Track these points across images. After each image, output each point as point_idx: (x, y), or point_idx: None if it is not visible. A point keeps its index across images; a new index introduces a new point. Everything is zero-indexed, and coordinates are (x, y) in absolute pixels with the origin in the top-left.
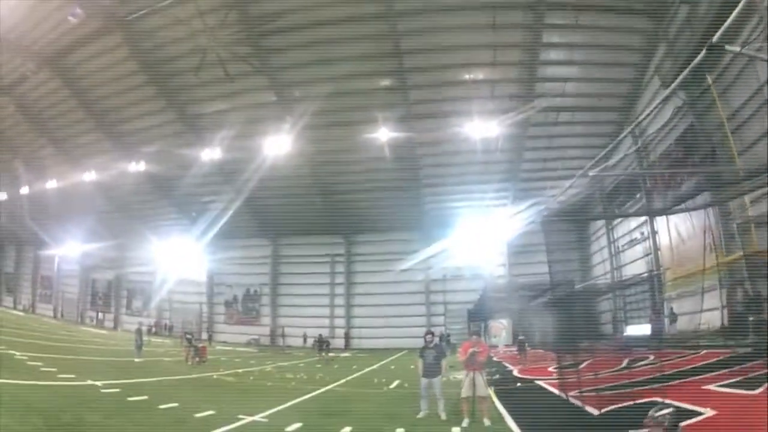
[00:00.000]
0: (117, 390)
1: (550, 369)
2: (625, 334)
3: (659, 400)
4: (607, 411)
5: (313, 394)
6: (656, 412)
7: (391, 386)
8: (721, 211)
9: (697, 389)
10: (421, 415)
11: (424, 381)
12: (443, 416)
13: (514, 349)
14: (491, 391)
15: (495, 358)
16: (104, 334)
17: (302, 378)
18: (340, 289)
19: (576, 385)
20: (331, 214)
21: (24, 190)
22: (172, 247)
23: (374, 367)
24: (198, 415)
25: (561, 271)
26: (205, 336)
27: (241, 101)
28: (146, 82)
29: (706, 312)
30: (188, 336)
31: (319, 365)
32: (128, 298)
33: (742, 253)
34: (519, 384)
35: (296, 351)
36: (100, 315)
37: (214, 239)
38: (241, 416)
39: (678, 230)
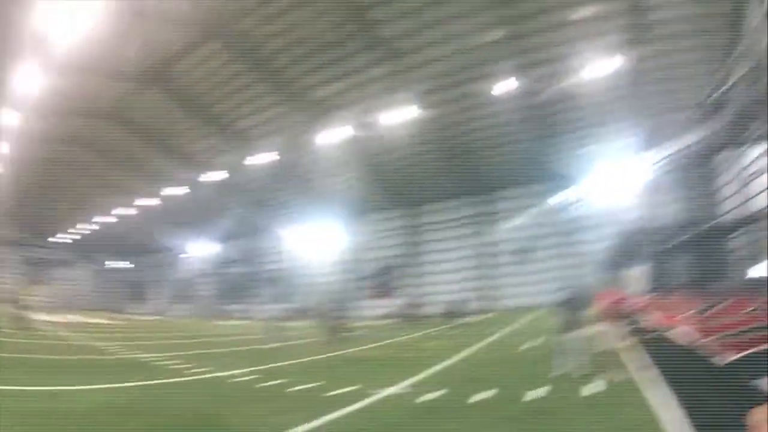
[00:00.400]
0: (254, 377)
1: (685, 315)
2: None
3: None
4: (741, 357)
5: (453, 360)
6: None
7: (530, 345)
8: None
9: None
10: (558, 372)
11: (562, 336)
12: (582, 372)
13: (651, 296)
14: (630, 343)
15: (632, 308)
16: (241, 324)
17: (442, 344)
18: (473, 251)
19: (710, 330)
20: (460, 176)
21: (154, 199)
22: (305, 232)
23: (512, 327)
24: (337, 392)
25: (695, 208)
26: (343, 313)
27: (357, 79)
28: (257, 79)
29: None
30: (325, 315)
31: (455, 331)
32: (264, 287)
33: None
34: (653, 332)
35: (434, 319)
36: (238, 307)
37: (347, 217)
38: (379, 389)
39: None
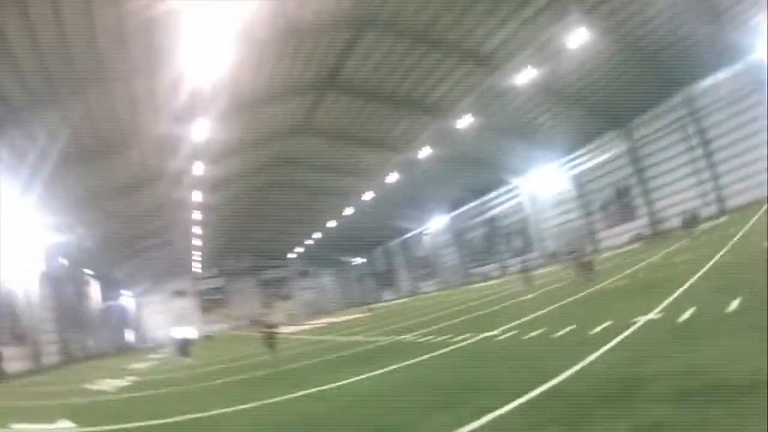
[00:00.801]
0: (514, 332)
1: None
2: None
3: None
4: None
5: (702, 272)
6: None
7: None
8: None
9: None
10: None
11: None
12: None
13: None
14: None
15: None
16: (491, 284)
17: (689, 258)
18: (693, 155)
19: None
20: (663, 77)
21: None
22: (528, 178)
23: (750, 224)
24: (594, 331)
25: None
26: (589, 249)
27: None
28: (425, 52)
29: None
30: (571, 254)
31: (699, 241)
32: (507, 242)
33: None
34: None
35: (675, 232)
36: (484, 268)
37: (564, 153)
38: (636, 318)
39: None
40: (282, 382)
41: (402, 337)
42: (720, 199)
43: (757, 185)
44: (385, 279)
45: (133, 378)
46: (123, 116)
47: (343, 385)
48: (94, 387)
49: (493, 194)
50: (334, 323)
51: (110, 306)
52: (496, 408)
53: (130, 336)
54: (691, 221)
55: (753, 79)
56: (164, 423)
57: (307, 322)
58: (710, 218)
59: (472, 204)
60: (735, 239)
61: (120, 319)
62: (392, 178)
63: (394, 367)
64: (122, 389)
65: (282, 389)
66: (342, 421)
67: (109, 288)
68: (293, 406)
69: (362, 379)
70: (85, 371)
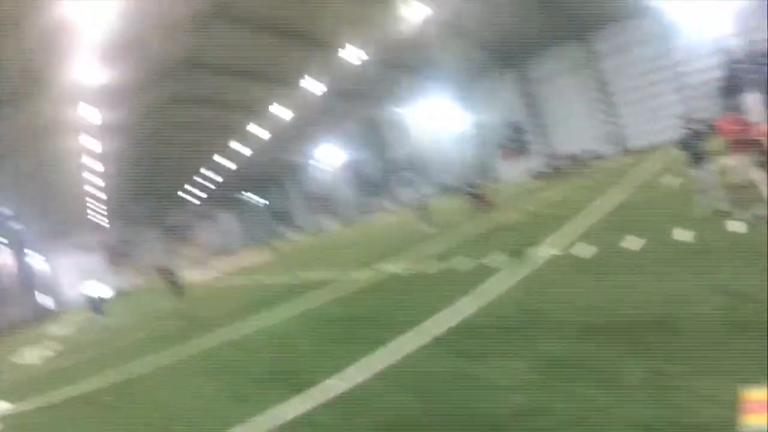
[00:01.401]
0: (414, 267)
1: None
2: None
3: None
4: None
5: (597, 208)
6: None
7: (665, 183)
8: None
9: None
10: (701, 210)
11: (693, 173)
12: (722, 207)
13: None
14: (761, 175)
15: (758, 138)
16: (389, 219)
17: (583, 195)
18: (595, 94)
19: None
20: (553, 23)
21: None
22: (425, 112)
23: (646, 166)
24: (494, 265)
25: None
26: (486, 182)
27: None
28: None
29: None
30: (468, 188)
31: (593, 178)
32: (400, 175)
33: None
34: None
35: (573, 168)
36: (379, 201)
37: (462, 88)
38: (532, 250)
39: None
40: (195, 331)
41: (306, 275)
42: (619, 141)
43: (659, 130)
44: (287, 217)
45: (55, 345)
46: (9, 64)
47: (254, 328)
48: (20, 360)
49: (390, 127)
50: (239, 265)
51: (20, 269)
52: (400, 342)
53: (45, 299)
54: (586, 159)
55: (654, 28)
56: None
57: (213, 266)
58: (609, 158)
59: (366, 137)
60: (634, 179)
61: (31, 283)
62: (289, 114)
63: (301, 307)
64: (48, 359)
65: (196, 339)
66: (256, 364)
67: (15, 250)
68: (210, 356)
69: (272, 321)
70: (8, 343)
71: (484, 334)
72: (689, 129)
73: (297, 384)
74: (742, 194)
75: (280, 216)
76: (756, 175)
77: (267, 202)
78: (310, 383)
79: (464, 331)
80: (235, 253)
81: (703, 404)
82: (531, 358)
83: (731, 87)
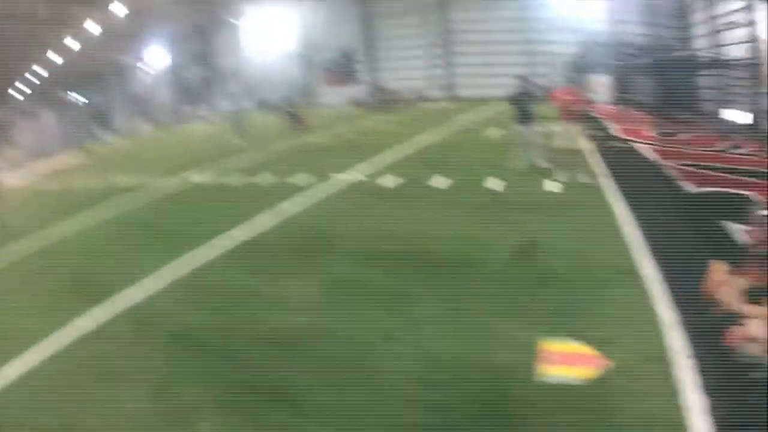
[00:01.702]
0: (215, 176)
1: (648, 133)
2: (722, 116)
3: (755, 195)
4: (704, 191)
5: (410, 144)
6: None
7: (489, 133)
8: None
9: None
10: (518, 163)
11: (518, 128)
12: (541, 165)
13: (613, 106)
14: (586, 145)
15: (593, 114)
16: (201, 126)
17: (400, 130)
18: (437, 39)
19: (674, 155)
20: None
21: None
22: (259, 22)
23: (472, 115)
24: (296, 182)
25: (664, 35)
26: (307, 102)
27: None
28: None
29: None
30: (286, 107)
31: (415, 117)
32: (222, 85)
33: None
34: (615, 142)
35: (396, 104)
36: (197, 109)
37: (296, 6)
38: (337, 175)
39: None
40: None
41: (115, 180)
42: (450, 88)
43: (494, 85)
44: (105, 118)
45: None
46: None
47: (59, 236)
48: None
49: (215, 33)
50: (55, 168)
51: None
52: (194, 253)
53: None
54: (414, 98)
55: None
56: None
57: (31, 168)
58: (436, 101)
59: (193, 42)
60: (453, 124)
61: None
62: (116, 7)
63: (106, 214)
64: None
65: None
66: (59, 275)
67: None
68: (16, 268)
69: (77, 228)
70: None
71: (276, 252)
72: (523, 88)
73: (96, 294)
74: (564, 158)
75: (99, 117)
76: (582, 144)
77: (87, 102)
78: (109, 293)
79: (258, 247)
80: (53, 154)
81: (499, 347)
82: (321, 279)
83: (582, 65)
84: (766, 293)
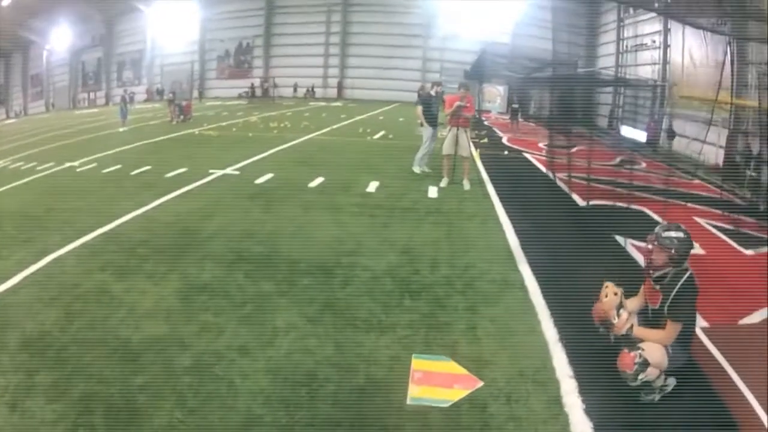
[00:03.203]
0: (93, 165)
1: (541, 145)
2: (620, 132)
3: (646, 211)
4: (594, 205)
5: (294, 143)
6: (664, 231)
7: (376, 137)
8: (740, 50)
9: (685, 216)
10: (416, 168)
11: (425, 131)
12: (425, 169)
13: (507, 116)
14: (475, 153)
15: (486, 122)
16: (94, 112)
17: (286, 127)
18: (334, 39)
19: (565, 167)
20: None
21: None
22: (160, 10)
23: (362, 116)
24: (168, 175)
25: (566, 51)
26: (196, 94)
27: None
28: None
29: (703, 144)
30: (170, 95)
31: (307, 114)
32: (118, 71)
33: (757, 104)
34: (506, 152)
35: (287, 101)
36: (92, 95)
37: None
38: (212, 170)
39: (691, 54)
40: None
41: None
42: (340, 87)
43: (390, 88)
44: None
45: None
46: None
47: None
48: None
49: (119, 18)
50: None
51: None
52: (59, 247)
53: None
54: (306, 95)
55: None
56: None
57: None
58: (327, 99)
59: (95, 24)
60: (343, 123)
61: None
62: None
63: None
64: None
65: None
66: None
67: None
68: None
69: None
70: None
71: (135, 247)
72: (435, 92)
73: None
74: (444, 163)
75: None
76: (464, 150)
77: None
78: None
79: (117, 242)
80: None
81: (361, 364)
82: (179, 281)
83: (478, 73)
84: (659, 315)
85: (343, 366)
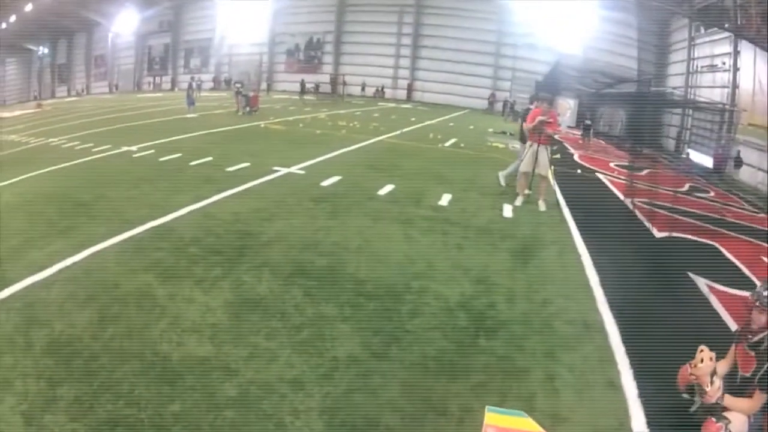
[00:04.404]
0: (151, 152)
1: (612, 165)
2: (689, 157)
3: (717, 246)
4: (670, 237)
5: (363, 144)
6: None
7: (447, 144)
8: None
9: (753, 253)
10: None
11: (518, 146)
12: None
13: (576, 132)
14: (551, 172)
15: (557, 137)
16: (158, 96)
17: (355, 127)
18: (406, 40)
19: (644, 194)
20: None
21: None
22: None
23: (432, 121)
24: (230, 169)
25: (642, 69)
26: (264, 86)
27: None
28: None
29: None
30: (237, 85)
31: (376, 114)
32: (186, 58)
33: None
34: (579, 171)
35: (356, 99)
36: (157, 79)
37: None
38: (276, 167)
39: (760, 80)
40: None
41: (51, 140)
42: (410, 89)
43: (460, 94)
44: (62, 73)
45: None
46: None
47: None
48: None
49: (189, 5)
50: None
51: None
52: (103, 240)
53: None
54: (376, 95)
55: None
56: None
57: None
58: (397, 101)
59: (164, 9)
60: (413, 127)
61: None
62: None
63: (37, 172)
64: None
65: None
66: None
67: None
68: None
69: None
70: None
71: (186, 247)
72: (516, 108)
73: None
74: (521, 180)
75: (58, 71)
76: (543, 169)
77: (48, 52)
78: None
79: (166, 239)
80: (4, 106)
81: (427, 413)
82: (229, 293)
83: (550, 86)
84: (749, 383)
85: (408, 414)
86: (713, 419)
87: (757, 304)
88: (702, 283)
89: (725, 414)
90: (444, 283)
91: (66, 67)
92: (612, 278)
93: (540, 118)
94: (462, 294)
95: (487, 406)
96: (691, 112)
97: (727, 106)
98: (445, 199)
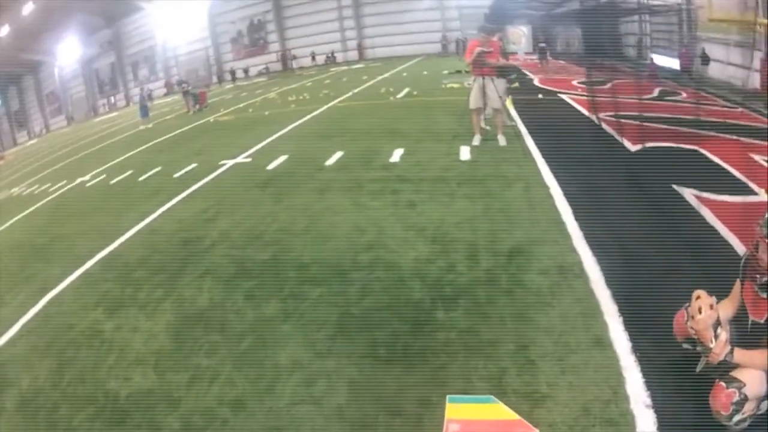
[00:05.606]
0: (103, 177)
1: (575, 83)
2: (653, 61)
3: (700, 150)
4: (647, 148)
5: (312, 114)
6: None
7: (399, 95)
8: None
9: (740, 153)
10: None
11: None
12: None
13: (535, 56)
14: (509, 102)
15: (517, 65)
16: (113, 117)
17: (305, 99)
18: (347, 1)
19: (606, 106)
20: None
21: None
22: (164, 4)
23: (385, 75)
24: (177, 174)
25: None
26: (214, 79)
27: None
28: None
29: (739, 69)
30: (184, 85)
31: (327, 81)
32: (133, 71)
33: None
34: (540, 95)
35: (307, 71)
36: (111, 99)
37: None
38: (222, 161)
39: None
40: None
41: (13, 190)
42: (361, 48)
43: (412, 42)
44: (19, 119)
45: None
46: None
47: None
48: None
49: (124, 20)
50: None
51: None
52: (58, 282)
53: None
54: (326, 62)
55: None
56: None
57: None
58: (347, 63)
59: (99, 32)
60: (365, 86)
61: None
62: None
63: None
64: None
65: None
66: None
67: None
68: None
69: None
70: None
71: (134, 269)
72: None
73: None
74: (473, 118)
75: (14, 117)
76: (494, 102)
77: (0, 105)
78: None
79: (116, 265)
80: None
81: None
82: (172, 309)
83: (499, 15)
84: (762, 331)
85: (357, 421)
86: (723, 383)
87: (767, 239)
88: (690, 194)
89: (737, 373)
90: (395, 251)
91: (21, 112)
92: (587, 208)
93: (478, 49)
94: (416, 259)
95: (448, 396)
96: (647, 17)
97: (683, 6)
98: (396, 155)
